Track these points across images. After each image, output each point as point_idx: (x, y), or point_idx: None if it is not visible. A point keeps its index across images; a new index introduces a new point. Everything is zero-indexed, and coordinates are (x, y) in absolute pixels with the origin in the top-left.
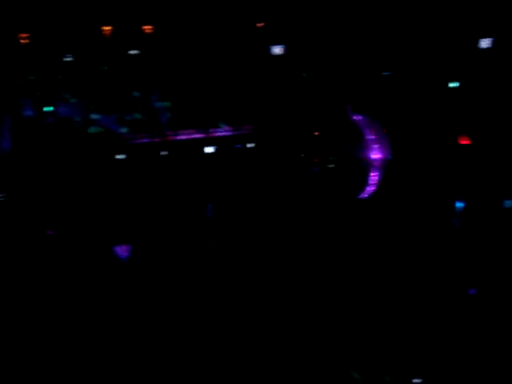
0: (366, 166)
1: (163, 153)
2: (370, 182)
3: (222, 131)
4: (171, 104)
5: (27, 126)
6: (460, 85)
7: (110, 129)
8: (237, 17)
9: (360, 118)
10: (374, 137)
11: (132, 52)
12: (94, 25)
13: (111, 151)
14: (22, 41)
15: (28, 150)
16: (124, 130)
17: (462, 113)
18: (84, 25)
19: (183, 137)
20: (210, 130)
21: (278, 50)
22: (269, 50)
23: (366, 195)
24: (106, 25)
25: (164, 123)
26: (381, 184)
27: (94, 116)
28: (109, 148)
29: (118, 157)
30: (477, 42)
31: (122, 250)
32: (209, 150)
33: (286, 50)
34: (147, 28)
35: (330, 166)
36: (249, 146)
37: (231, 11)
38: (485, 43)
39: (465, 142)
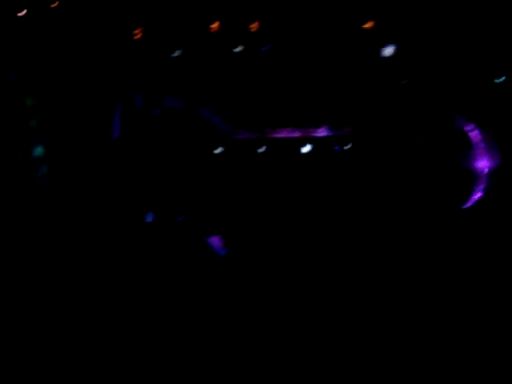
0: (472, 174)
1: (261, 150)
2: (476, 192)
3: (321, 131)
4: (271, 100)
5: (138, 118)
6: None
7: (212, 123)
8: (343, 16)
9: (468, 123)
10: (482, 145)
11: (237, 49)
12: (201, 22)
13: (211, 145)
14: (135, 37)
15: (135, 140)
16: (225, 124)
17: None
18: (192, 21)
19: (281, 135)
20: (308, 130)
21: (388, 51)
22: (379, 51)
23: (470, 204)
24: (214, 21)
25: (265, 119)
26: (487, 193)
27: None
28: (209, 142)
29: (217, 151)
30: None
31: (215, 242)
32: (305, 149)
33: (397, 51)
34: (253, 26)
35: (433, 174)
36: (346, 148)
37: (344, 10)
38: None
39: None
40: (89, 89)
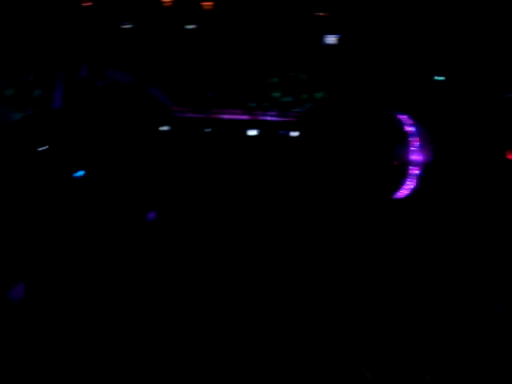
0: (406, 166)
1: (207, 130)
2: (408, 184)
3: (268, 116)
4: (219, 81)
5: (81, 87)
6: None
7: (158, 99)
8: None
9: (405, 118)
10: (417, 139)
11: (189, 26)
12: None
13: (156, 122)
14: (84, 4)
15: (78, 110)
16: (170, 101)
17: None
18: None
19: (228, 116)
20: (256, 113)
21: (332, 39)
22: (322, 39)
23: (401, 196)
24: None
25: (210, 99)
26: (418, 187)
27: (144, 84)
28: (154, 119)
29: (162, 128)
30: None
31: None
32: (252, 132)
33: (340, 40)
34: (206, 4)
35: (368, 164)
36: (292, 134)
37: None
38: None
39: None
40: (31, 52)
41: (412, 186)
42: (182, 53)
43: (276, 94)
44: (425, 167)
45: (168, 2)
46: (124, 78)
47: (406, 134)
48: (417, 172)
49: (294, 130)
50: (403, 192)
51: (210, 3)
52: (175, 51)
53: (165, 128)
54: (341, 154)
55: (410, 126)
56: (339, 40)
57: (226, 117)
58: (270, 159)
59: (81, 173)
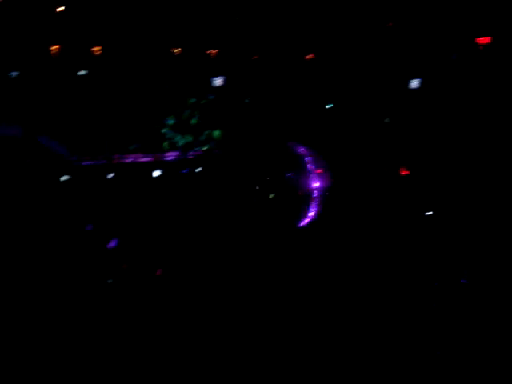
0: (307, 194)
1: (109, 175)
2: (310, 211)
3: (170, 156)
4: (119, 126)
5: None
6: (390, 121)
7: (54, 150)
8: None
9: (301, 148)
10: (314, 167)
11: (80, 72)
12: (42, 43)
13: (56, 172)
14: None
15: None
16: (68, 151)
17: (399, 146)
18: (32, 42)
19: (130, 160)
20: (158, 155)
21: (218, 81)
22: (210, 81)
23: (305, 223)
24: (55, 43)
25: (109, 146)
26: (320, 213)
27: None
28: (54, 169)
29: (63, 178)
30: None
31: None
32: (156, 173)
33: (226, 80)
34: (96, 49)
35: (272, 194)
36: (197, 170)
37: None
38: (415, 84)
39: (404, 172)
40: None
41: (314, 213)
42: (75, 100)
43: (174, 135)
44: (325, 193)
45: (55, 50)
46: (15, 132)
47: (304, 163)
48: (317, 198)
49: (197, 168)
50: (307, 219)
51: (99, 48)
52: (67, 99)
53: (64, 178)
54: (243, 189)
55: (307, 154)
56: (227, 80)
57: (128, 161)
58: (174, 197)
59: None
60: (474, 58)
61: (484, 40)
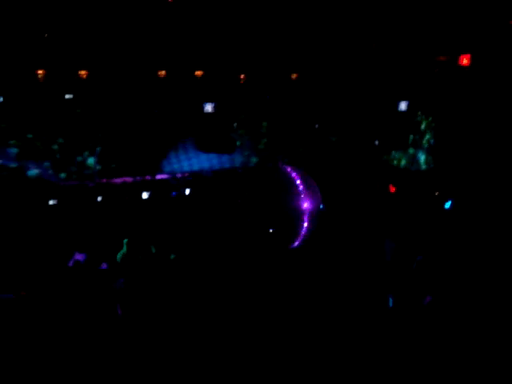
0: (298, 215)
1: (98, 198)
2: (302, 232)
3: (159, 177)
4: (106, 150)
5: None
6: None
7: (43, 174)
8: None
9: (291, 169)
10: (304, 187)
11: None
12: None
13: (45, 196)
14: None
15: None
16: (55, 175)
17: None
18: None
19: (118, 181)
20: (147, 177)
21: (209, 107)
22: (202, 107)
23: (297, 244)
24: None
25: (96, 170)
26: (312, 233)
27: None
28: (42, 193)
29: (50, 202)
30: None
31: None
32: (144, 195)
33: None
34: (82, 73)
35: (262, 216)
36: (187, 192)
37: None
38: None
39: (393, 189)
40: None
41: (306, 233)
42: (62, 124)
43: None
44: (316, 212)
45: (41, 75)
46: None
47: (295, 184)
48: (309, 218)
49: (187, 189)
50: (300, 239)
51: (84, 72)
52: (54, 123)
53: (52, 202)
54: (234, 211)
55: (297, 175)
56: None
57: (116, 182)
58: (164, 218)
59: None
60: (457, 74)
61: (465, 58)
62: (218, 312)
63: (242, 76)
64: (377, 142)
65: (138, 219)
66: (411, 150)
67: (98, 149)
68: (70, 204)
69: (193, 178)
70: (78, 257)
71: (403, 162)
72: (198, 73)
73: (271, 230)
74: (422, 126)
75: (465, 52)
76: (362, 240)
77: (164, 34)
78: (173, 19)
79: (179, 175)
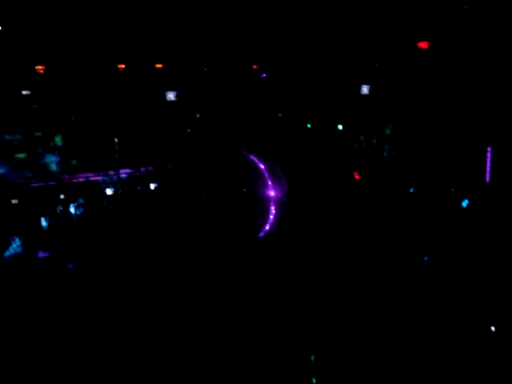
0: (264, 204)
1: (60, 196)
2: (268, 220)
3: (122, 173)
4: (66, 145)
5: None
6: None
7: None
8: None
9: (255, 157)
10: (270, 176)
11: (24, 92)
12: None
13: (5, 196)
14: None
15: None
16: (16, 174)
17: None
18: None
19: (81, 179)
20: (110, 172)
21: (172, 95)
22: (164, 95)
23: (263, 233)
24: None
25: (58, 165)
26: (278, 222)
27: None
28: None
29: (14, 202)
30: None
31: None
32: (109, 191)
33: (179, 94)
34: (39, 68)
35: (228, 205)
36: (152, 186)
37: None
38: (365, 90)
39: (357, 177)
40: None
41: (273, 221)
42: (21, 119)
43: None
44: (282, 200)
45: None
46: None
47: (260, 172)
48: (275, 206)
49: (152, 183)
50: (267, 228)
51: (42, 67)
52: (12, 118)
53: (14, 201)
54: (202, 200)
55: (262, 164)
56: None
57: (79, 180)
58: (132, 213)
59: None
60: (416, 61)
61: (423, 44)
62: (192, 302)
63: (205, 68)
64: (340, 127)
65: (105, 216)
66: (374, 139)
67: (59, 145)
68: (33, 203)
69: (157, 172)
70: (41, 255)
71: (368, 149)
72: (159, 65)
73: (238, 220)
74: (384, 113)
75: (423, 36)
76: (329, 227)
77: (121, 26)
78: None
79: (143, 169)
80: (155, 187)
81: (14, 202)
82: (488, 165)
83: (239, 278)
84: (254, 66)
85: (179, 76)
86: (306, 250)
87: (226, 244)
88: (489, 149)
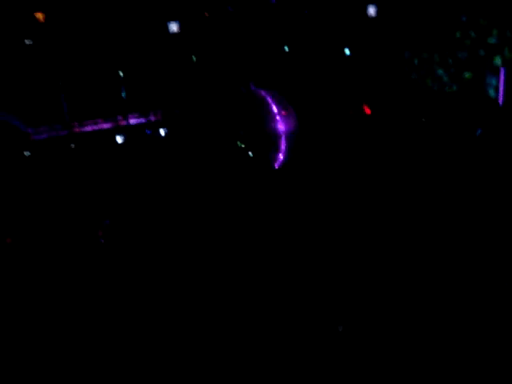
0: (274, 137)
1: (71, 145)
2: (280, 153)
3: (131, 119)
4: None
5: None
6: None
7: (11, 124)
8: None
9: (263, 92)
10: (278, 109)
11: (27, 42)
12: None
13: (12, 148)
14: None
15: None
16: (24, 124)
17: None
18: None
19: (90, 128)
20: (119, 119)
21: (175, 27)
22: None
23: (276, 166)
24: None
25: (66, 114)
26: (290, 155)
27: None
28: (11, 145)
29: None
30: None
31: None
32: (119, 139)
33: (182, 27)
34: (40, 16)
35: (241, 142)
36: (161, 132)
37: None
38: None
39: (368, 111)
40: None
41: (284, 155)
42: (24, 68)
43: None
44: (292, 135)
45: None
46: None
47: (269, 107)
48: (285, 141)
49: (161, 128)
50: (278, 162)
51: (41, 15)
52: (15, 68)
53: (25, 153)
54: (213, 138)
55: (271, 98)
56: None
57: (88, 129)
58: (143, 159)
59: None
60: None
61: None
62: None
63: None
64: (348, 52)
65: (117, 164)
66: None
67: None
68: (43, 155)
69: (165, 117)
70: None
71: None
72: None
73: (250, 154)
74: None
75: None
76: (340, 161)
77: None
78: None
79: (152, 115)
80: (165, 133)
81: (26, 154)
82: (501, 87)
83: (259, 210)
84: None
85: (182, 8)
86: (317, 183)
87: (243, 178)
88: (502, 69)
